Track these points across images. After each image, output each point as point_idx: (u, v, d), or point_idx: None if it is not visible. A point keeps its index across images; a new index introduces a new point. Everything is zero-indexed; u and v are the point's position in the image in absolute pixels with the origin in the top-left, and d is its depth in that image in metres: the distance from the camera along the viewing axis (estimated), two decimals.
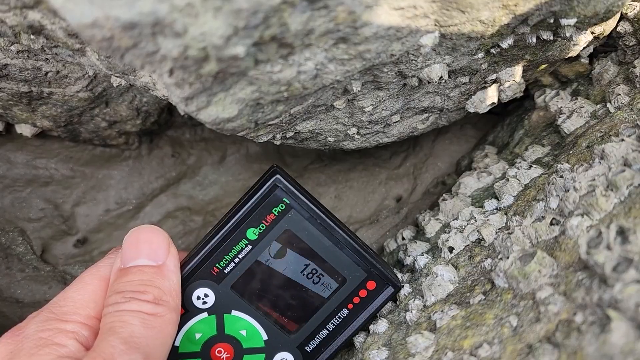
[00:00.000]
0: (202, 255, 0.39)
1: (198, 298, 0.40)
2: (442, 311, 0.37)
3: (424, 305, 0.40)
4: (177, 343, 0.40)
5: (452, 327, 0.35)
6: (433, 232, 0.50)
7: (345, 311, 0.42)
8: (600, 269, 0.30)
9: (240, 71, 0.31)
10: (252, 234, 0.39)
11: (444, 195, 0.52)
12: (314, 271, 0.41)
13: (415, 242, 0.50)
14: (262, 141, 0.44)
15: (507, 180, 0.46)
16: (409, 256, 0.49)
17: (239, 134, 0.41)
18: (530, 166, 0.46)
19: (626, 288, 0.27)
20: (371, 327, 0.43)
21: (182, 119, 0.60)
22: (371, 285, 0.42)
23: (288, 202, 0.39)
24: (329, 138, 0.48)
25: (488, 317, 0.34)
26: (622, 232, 0.31)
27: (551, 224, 0.37)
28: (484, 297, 0.36)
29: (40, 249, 0.56)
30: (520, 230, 0.37)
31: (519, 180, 0.45)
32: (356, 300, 0.42)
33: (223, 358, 0.41)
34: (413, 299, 0.41)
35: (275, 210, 0.39)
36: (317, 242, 0.40)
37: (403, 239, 0.54)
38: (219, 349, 0.41)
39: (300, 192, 0.39)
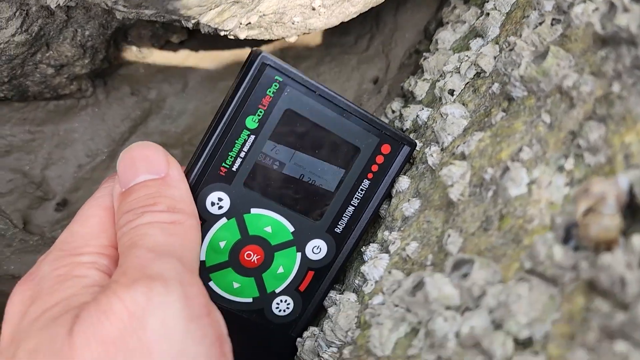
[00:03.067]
0: (205, 158, 0.36)
1: (212, 204, 0.37)
2: (464, 142, 0.36)
3: (442, 148, 0.39)
4: (203, 257, 0.38)
5: (483, 148, 0.34)
6: (424, 93, 0.49)
7: (366, 182, 0.40)
8: (626, 32, 0.28)
9: None
10: (251, 122, 0.36)
11: (424, 54, 0.51)
12: (326, 148, 0.38)
13: (409, 106, 0.48)
14: (227, 29, 0.41)
15: (487, 14, 0.44)
16: (407, 120, 0.47)
17: (204, 21, 0.37)
18: None
19: None
20: (392, 189, 0.41)
21: (132, 53, 0.56)
22: (386, 149, 0.39)
23: (281, 79, 0.35)
24: (295, 18, 0.45)
25: (517, 126, 0.33)
26: None
27: (552, 24, 0.35)
28: (505, 114, 0.35)
29: (21, 221, 0.52)
30: (523, 41, 0.35)
31: (499, 10, 0.44)
32: (374, 168, 0.39)
33: (254, 261, 0.39)
34: (428, 148, 0.39)
35: (269, 92, 0.35)
36: (321, 115, 0.37)
37: (393, 111, 0.52)
38: (247, 252, 0.39)
39: (290, 67, 0.36)
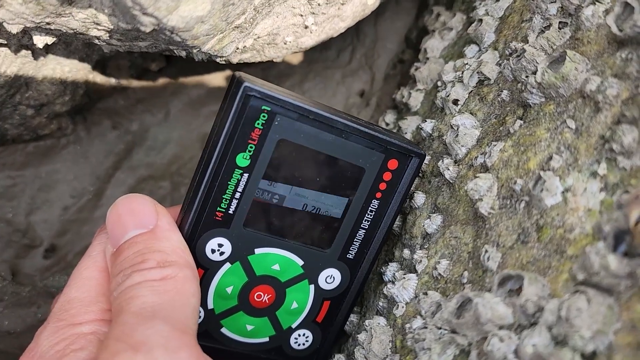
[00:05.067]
0: (198, 205, 0.33)
1: (213, 251, 0.35)
2: (483, 152, 0.35)
3: (455, 161, 0.38)
4: (210, 305, 0.36)
5: (507, 159, 0.33)
6: (419, 104, 0.48)
7: (375, 202, 0.37)
8: None
9: None
10: (242, 160, 0.33)
11: (415, 64, 0.50)
12: (327, 175, 0.35)
13: (405, 118, 0.47)
14: (225, 55, 0.39)
15: (480, 21, 0.44)
16: (406, 133, 0.47)
17: (205, 49, 0.36)
18: None
19: None
20: (405, 205, 0.40)
21: (110, 85, 0.53)
22: (393, 164, 0.36)
23: (269, 108, 0.32)
24: (288, 38, 0.44)
25: (540, 133, 0.33)
26: None
27: (560, 28, 0.35)
28: (522, 122, 0.34)
29: (9, 272, 0.49)
30: (531, 47, 0.35)
31: (492, 16, 0.43)
32: (382, 186, 0.37)
33: (265, 300, 0.37)
34: (440, 161, 0.39)
35: (258, 124, 0.32)
36: (318, 140, 0.34)
37: (387, 124, 0.52)
38: (257, 293, 0.37)
39: (277, 91, 0.33)
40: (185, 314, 0.29)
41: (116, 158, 0.54)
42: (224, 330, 0.37)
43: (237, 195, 0.34)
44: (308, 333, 0.39)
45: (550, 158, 0.31)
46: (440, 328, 0.31)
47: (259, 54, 0.44)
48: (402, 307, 0.36)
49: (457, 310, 0.30)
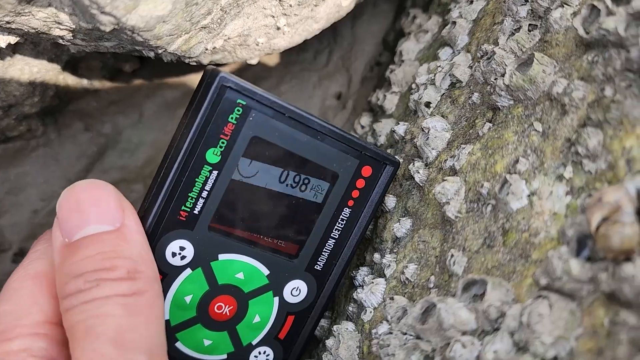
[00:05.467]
0: (162, 202, 0.30)
1: (173, 254, 0.32)
2: (453, 155, 0.35)
3: (426, 164, 0.38)
4: (166, 317, 0.33)
5: (475, 162, 0.33)
6: (393, 106, 0.48)
7: (347, 210, 0.36)
8: (614, 35, 0.28)
9: None
10: (213, 155, 0.31)
11: (390, 67, 0.50)
12: (298, 177, 0.34)
13: (380, 121, 0.47)
14: (193, 56, 0.39)
15: (454, 23, 0.43)
16: (380, 135, 0.46)
17: (171, 50, 0.35)
18: (471, 1, 0.43)
19: None
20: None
21: (82, 87, 0.53)
22: (367, 171, 0.35)
23: (245, 102, 0.30)
24: (259, 39, 0.43)
25: (508, 136, 0.32)
26: None
27: (529, 30, 0.35)
28: (492, 124, 0.34)
29: None
30: (501, 49, 0.35)
31: (465, 18, 0.43)
32: (355, 194, 0.35)
33: (226, 312, 0.34)
34: (411, 164, 0.38)
35: (232, 118, 0.30)
36: (292, 140, 0.32)
37: (363, 127, 0.51)
38: (218, 304, 0.34)
39: (253, 86, 0.31)
40: (160, 343, 0.27)
41: (88, 160, 0.53)
42: (178, 345, 0.34)
43: (204, 194, 0.31)
44: (269, 351, 0.37)
45: (517, 161, 0.30)
46: (405, 334, 0.31)
47: (231, 55, 0.44)
48: (370, 312, 0.35)
49: (421, 316, 0.30)
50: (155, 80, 0.56)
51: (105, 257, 0.26)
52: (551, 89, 0.31)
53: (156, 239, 0.31)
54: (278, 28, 0.43)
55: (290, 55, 0.58)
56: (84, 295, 0.25)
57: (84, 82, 0.53)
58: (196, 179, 0.31)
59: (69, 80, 0.51)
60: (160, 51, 0.35)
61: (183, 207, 0.31)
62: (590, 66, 0.30)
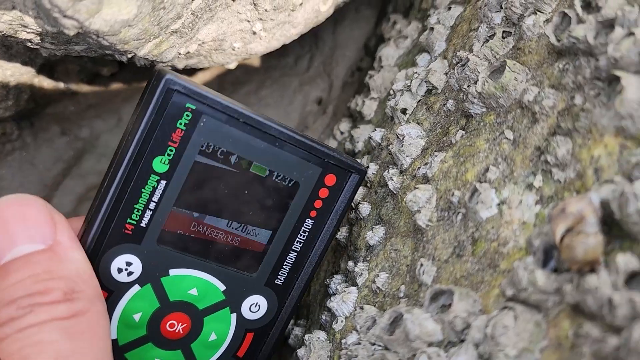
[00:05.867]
0: (105, 215, 0.28)
1: (120, 270, 0.30)
2: (426, 163, 0.34)
3: (400, 171, 0.37)
4: (113, 336, 0.31)
5: (447, 170, 0.33)
6: (372, 112, 0.48)
7: (309, 221, 0.34)
8: (583, 43, 0.28)
9: None
10: (160, 164, 0.29)
11: (369, 72, 0.49)
12: (256, 187, 0.32)
13: (358, 127, 0.47)
14: (165, 61, 0.38)
15: (432, 29, 0.43)
16: (358, 142, 0.46)
17: (142, 54, 0.35)
18: (449, 7, 0.43)
19: (621, 44, 0.26)
20: (351, 216, 0.39)
21: (59, 90, 0.52)
22: (330, 180, 0.33)
23: (194, 107, 0.28)
24: (235, 44, 0.43)
25: (480, 144, 0.32)
26: (587, 5, 0.29)
27: (503, 37, 0.34)
28: (464, 132, 0.34)
29: None
30: (475, 56, 0.35)
31: (443, 24, 0.43)
32: (318, 204, 0.33)
33: (179, 330, 0.32)
34: (386, 171, 0.38)
35: (180, 124, 0.28)
36: (248, 148, 0.30)
37: (342, 132, 0.51)
38: (170, 322, 0.32)
39: (204, 89, 0.28)
40: (105, 357, 0.25)
41: (65, 165, 0.52)
42: None
43: (152, 205, 0.29)
44: None
45: (487, 170, 0.30)
46: (373, 344, 0.30)
47: (207, 59, 0.43)
48: (342, 321, 0.35)
49: (389, 326, 0.29)
50: (134, 84, 0.56)
51: (38, 279, 0.24)
52: (522, 96, 0.30)
53: (99, 255, 0.29)
54: (254, 33, 0.43)
55: (271, 60, 0.57)
56: (17, 323, 0.24)
57: (61, 86, 0.52)
58: (142, 190, 0.29)
59: (45, 83, 0.50)
60: (130, 55, 0.35)
61: (129, 220, 0.29)
62: (561, 74, 0.29)
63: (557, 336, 0.24)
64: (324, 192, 0.33)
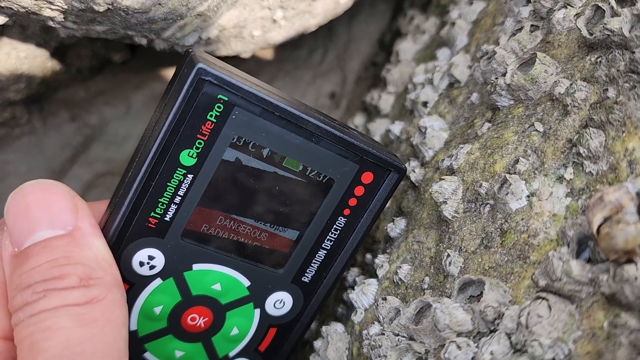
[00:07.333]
0: (128, 208, 0.27)
1: (141, 264, 0.29)
2: (450, 155, 0.34)
3: (422, 163, 0.37)
4: (133, 327, 0.30)
5: (473, 161, 0.32)
6: (389, 106, 0.47)
7: (342, 220, 0.32)
8: (618, 36, 0.28)
9: None
10: (188, 158, 0.27)
11: (386, 66, 0.49)
12: (288, 183, 0.30)
13: (374, 121, 0.46)
14: (187, 45, 0.38)
15: (452, 24, 0.43)
16: (375, 135, 0.46)
17: (165, 36, 0.34)
18: (471, 2, 0.43)
19: None
20: None
21: (70, 75, 0.51)
22: (367, 177, 0.31)
23: (226, 98, 0.26)
24: (255, 32, 0.42)
25: (508, 136, 0.32)
26: None
27: (531, 31, 0.34)
28: (491, 124, 0.33)
29: None
30: (502, 49, 0.34)
31: (465, 19, 0.43)
32: (352, 202, 0.32)
33: (200, 324, 0.32)
34: (407, 163, 0.37)
35: (211, 116, 0.26)
36: (282, 142, 0.29)
37: (356, 126, 0.51)
38: (191, 315, 0.31)
39: (238, 78, 0.26)
40: (119, 354, 0.24)
41: (73, 151, 0.52)
42: (147, 355, 0.31)
43: (177, 199, 0.28)
44: None
45: (517, 161, 0.30)
46: (397, 335, 0.30)
47: (225, 46, 0.43)
48: (361, 313, 0.34)
49: (415, 316, 0.29)
50: (145, 72, 0.55)
51: (55, 264, 0.24)
52: (553, 89, 0.30)
53: (122, 248, 0.28)
54: (274, 21, 0.42)
55: (284, 51, 0.57)
56: (30, 308, 0.23)
57: (72, 71, 0.51)
58: (168, 183, 0.27)
59: (57, 67, 0.49)
60: (153, 36, 0.34)
61: (152, 214, 0.28)
62: (594, 67, 0.29)
63: (591, 327, 0.24)
64: (359, 190, 0.32)
